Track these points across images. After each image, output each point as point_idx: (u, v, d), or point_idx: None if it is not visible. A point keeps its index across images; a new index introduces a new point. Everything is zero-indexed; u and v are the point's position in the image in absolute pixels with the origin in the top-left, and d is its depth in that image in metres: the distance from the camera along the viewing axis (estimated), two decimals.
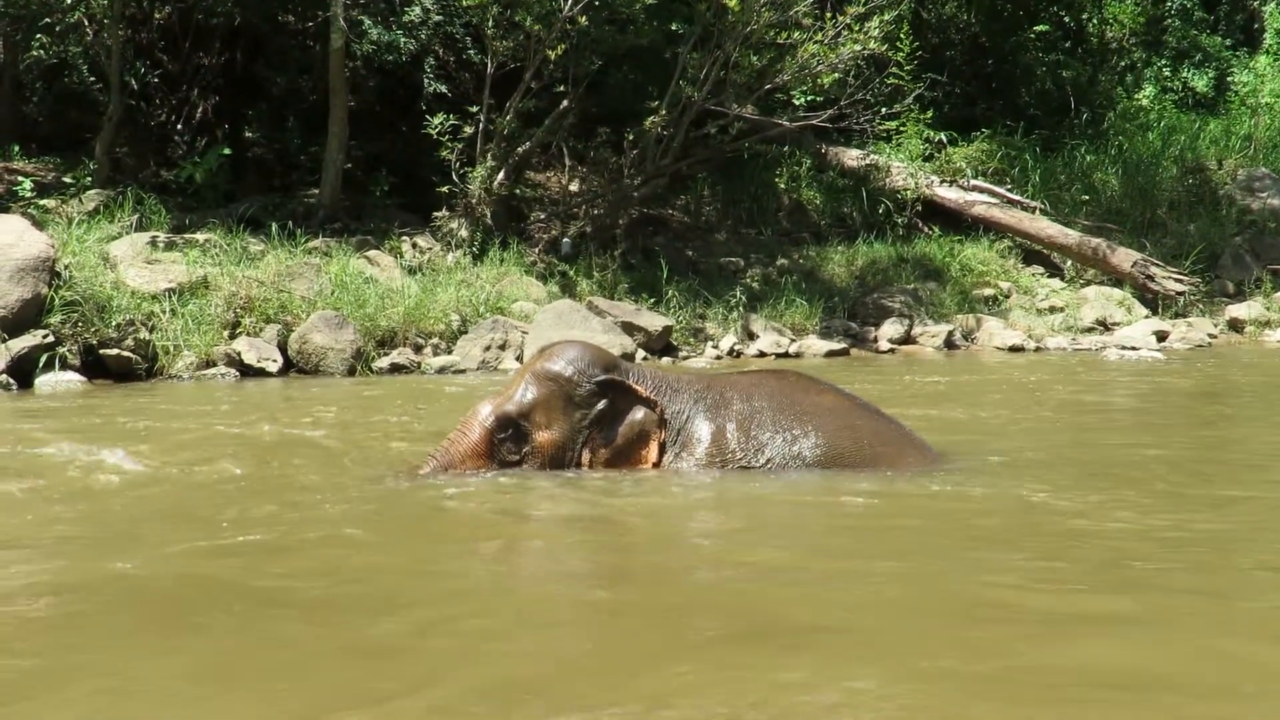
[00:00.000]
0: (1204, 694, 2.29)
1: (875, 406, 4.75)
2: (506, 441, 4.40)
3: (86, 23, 12.52)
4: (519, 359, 9.45)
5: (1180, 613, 2.81)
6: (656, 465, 4.37)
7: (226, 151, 13.01)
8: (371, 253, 11.39)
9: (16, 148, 12.83)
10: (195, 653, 2.54)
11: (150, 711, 2.24)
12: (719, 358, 10.93)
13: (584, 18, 11.71)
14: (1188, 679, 2.36)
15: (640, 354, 10.15)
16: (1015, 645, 2.55)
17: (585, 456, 4.42)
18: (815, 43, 12.42)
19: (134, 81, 13.48)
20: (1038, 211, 14.26)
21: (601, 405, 4.42)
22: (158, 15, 13.95)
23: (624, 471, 4.38)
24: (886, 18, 12.74)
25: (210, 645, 2.60)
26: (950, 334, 11.82)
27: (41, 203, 11.04)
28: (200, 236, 10.66)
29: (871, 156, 14.74)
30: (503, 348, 9.76)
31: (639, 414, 4.41)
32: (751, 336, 11.44)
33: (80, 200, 11.27)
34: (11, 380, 7.79)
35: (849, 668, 2.42)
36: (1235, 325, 12.92)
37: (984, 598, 2.94)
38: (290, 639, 2.65)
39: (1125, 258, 13.34)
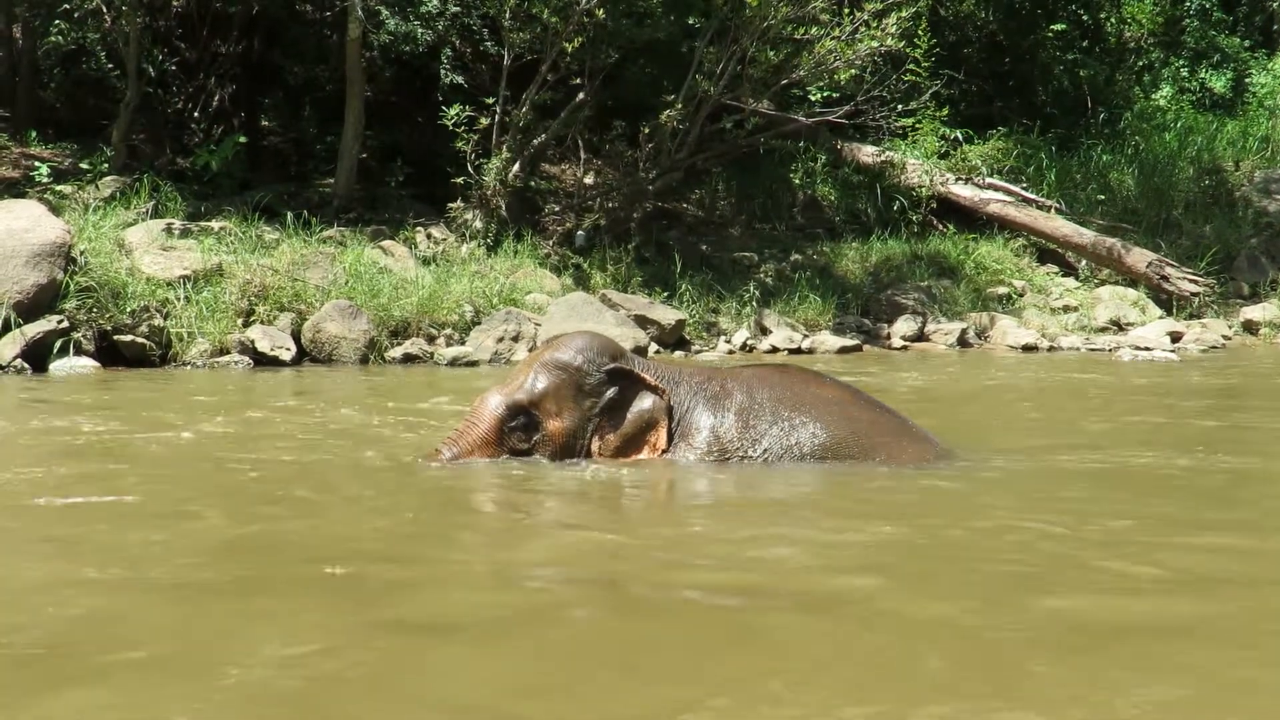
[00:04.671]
0: None
1: (877, 400, 4.76)
2: (517, 430, 4.43)
3: (104, 9, 12.55)
4: (532, 351, 9.45)
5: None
6: (665, 452, 4.40)
7: (242, 140, 13.05)
8: (386, 243, 11.40)
9: (34, 133, 12.88)
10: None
11: None
12: (731, 352, 10.93)
13: (601, 10, 11.70)
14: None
15: (653, 347, 10.16)
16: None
17: (595, 444, 4.46)
18: (832, 39, 12.41)
19: (151, 69, 13.51)
20: (1053, 210, 14.22)
21: (611, 393, 4.45)
22: (175, 3, 13.98)
23: (631, 460, 4.40)
24: (904, 14, 12.72)
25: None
26: (964, 332, 11.80)
27: (58, 188, 11.07)
28: (215, 224, 10.68)
29: (887, 153, 14.71)
30: (516, 339, 9.78)
31: (647, 401, 4.44)
32: (764, 331, 11.44)
33: (96, 186, 11.30)
34: (26, 365, 7.82)
35: (837, 670, 2.42)
36: (1250, 327, 12.89)
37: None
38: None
39: (1140, 258, 13.30)
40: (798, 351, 10.94)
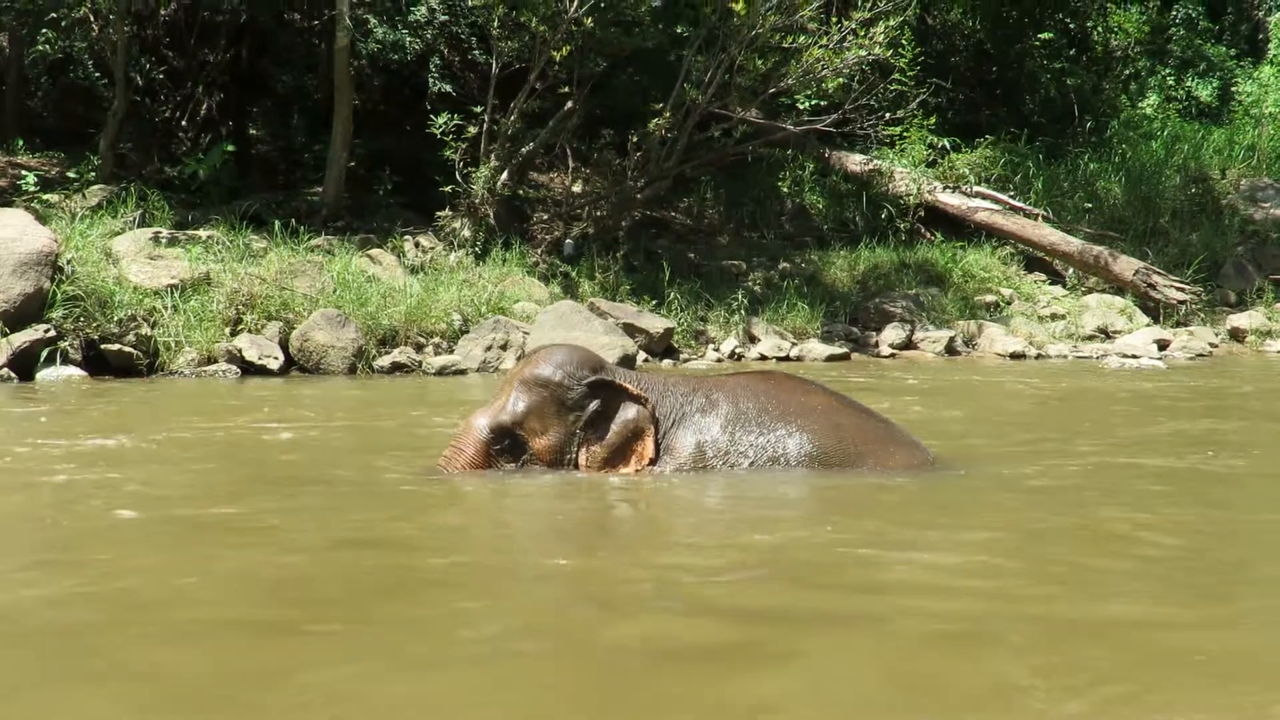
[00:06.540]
0: None
1: (864, 406, 4.76)
2: (503, 453, 4.39)
3: (92, 18, 12.54)
4: (519, 360, 9.44)
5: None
6: (653, 462, 4.37)
7: (230, 148, 13.02)
8: (374, 251, 11.39)
9: (21, 142, 12.84)
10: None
11: None
12: (720, 360, 10.94)
13: (589, 19, 11.72)
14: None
15: (641, 356, 10.16)
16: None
17: (581, 457, 4.41)
18: (820, 47, 12.45)
19: (139, 77, 13.49)
20: (1040, 219, 14.26)
21: (594, 406, 4.41)
22: (163, 11, 13.97)
23: (618, 471, 4.38)
24: (891, 23, 12.76)
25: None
26: (952, 340, 11.81)
27: (45, 197, 11.03)
28: (203, 233, 10.67)
29: (875, 161, 14.74)
30: (504, 348, 9.77)
31: (631, 412, 4.41)
32: (753, 340, 11.45)
33: (84, 195, 11.28)
34: (13, 374, 7.80)
35: (832, 679, 2.43)
36: (1236, 335, 12.93)
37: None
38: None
39: (1127, 266, 13.35)
40: (786, 359, 10.96)
